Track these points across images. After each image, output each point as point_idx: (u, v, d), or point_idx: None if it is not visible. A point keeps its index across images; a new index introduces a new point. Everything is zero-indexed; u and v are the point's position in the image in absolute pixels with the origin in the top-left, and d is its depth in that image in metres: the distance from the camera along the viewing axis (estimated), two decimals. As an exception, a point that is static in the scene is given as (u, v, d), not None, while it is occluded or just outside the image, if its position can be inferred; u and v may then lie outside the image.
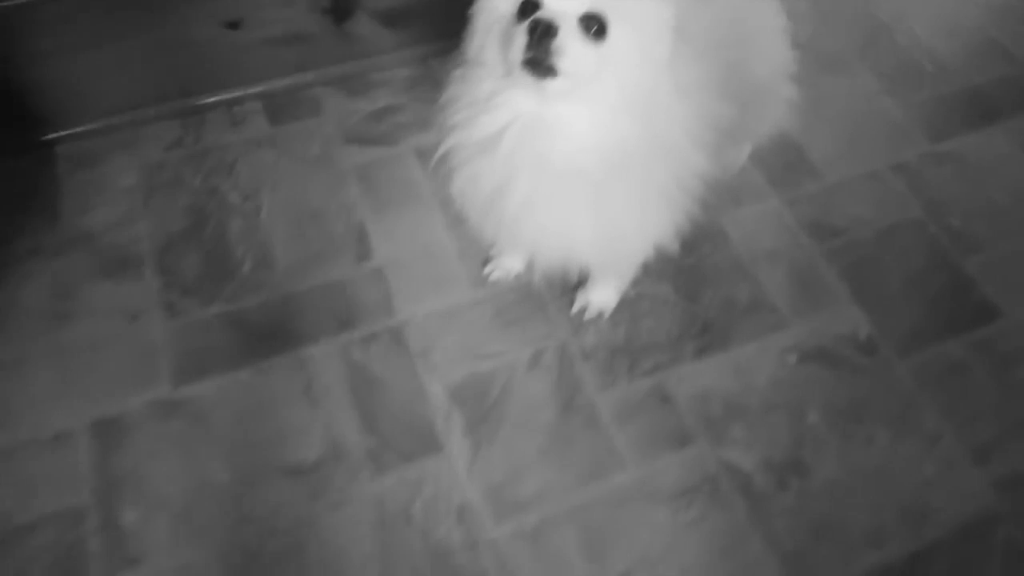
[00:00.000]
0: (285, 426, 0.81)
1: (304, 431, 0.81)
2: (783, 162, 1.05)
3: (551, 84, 0.59)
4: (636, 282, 0.90)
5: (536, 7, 0.59)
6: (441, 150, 0.70)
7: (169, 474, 0.78)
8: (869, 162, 1.06)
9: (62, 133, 1.01)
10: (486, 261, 0.94)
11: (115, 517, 0.75)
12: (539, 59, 0.57)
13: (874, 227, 0.99)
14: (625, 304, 0.91)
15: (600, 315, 0.90)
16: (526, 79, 0.59)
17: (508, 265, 0.93)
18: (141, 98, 1.02)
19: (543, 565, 0.74)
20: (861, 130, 1.10)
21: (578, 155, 0.64)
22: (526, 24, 0.57)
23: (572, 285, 0.92)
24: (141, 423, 0.80)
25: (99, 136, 1.02)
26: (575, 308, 0.90)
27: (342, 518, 0.76)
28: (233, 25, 0.99)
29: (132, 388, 0.82)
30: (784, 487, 0.80)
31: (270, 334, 0.87)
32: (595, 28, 0.58)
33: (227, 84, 1.05)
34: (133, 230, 0.94)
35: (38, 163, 1.00)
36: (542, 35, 0.57)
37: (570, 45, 0.57)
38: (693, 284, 0.93)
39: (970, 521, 0.79)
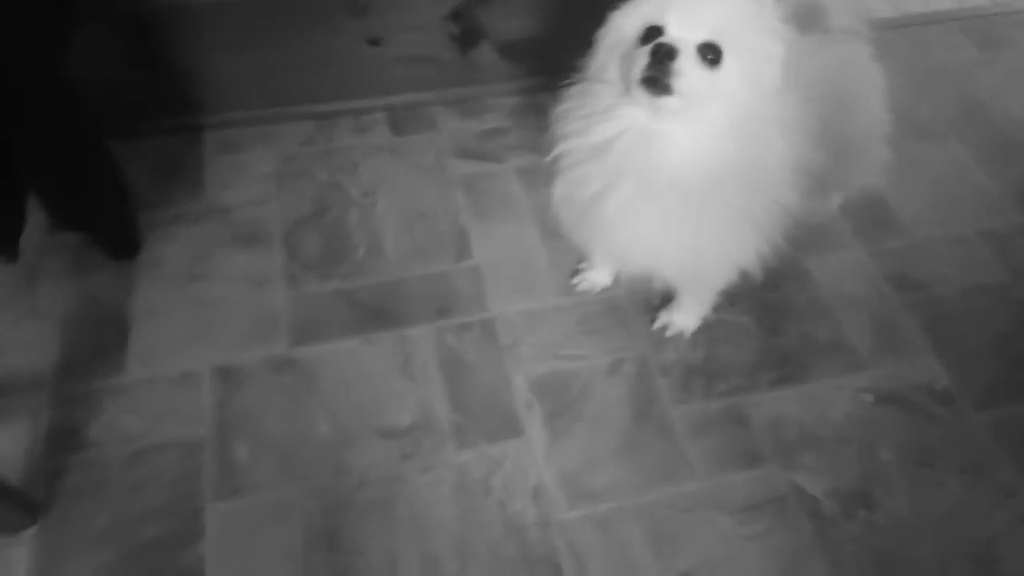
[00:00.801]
0: (383, 393, 0.93)
1: (399, 400, 0.93)
2: (871, 216, 1.14)
3: (665, 101, 0.69)
4: (717, 309, 1.00)
5: (659, 33, 0.70)
6: (553, 153, 0.82)
7: (278, 421, 0.90)
8: (956, 226, 1.14)
9: (212, 120, 1.21)
10: (574, 273, 1.05)
11: (229, 450, 0.88)
12: (657, 78, 0.68)
13: (957, 286, 1.07)
14: (705, 328, 1.00)
15: (680, 335, 1.00)
16: (643, 95, 0.70)
17: (595, 279, 1.04)
18: (283, 98, 1.21)
19: (609, 552, 0.82)
20: (950, 195, 1.19)
21: (680, 169, 0.74)
22: (650, 47, 0.69)
23: (655, 304, 1.02)
24: (257, 374, 0.94)
25: (243, 126, 1.21)
26: (656, 325, 1.00)
27: (428, 480, 0.86)
28: (375, 42, 1.17)
29: (252, 343, 0.97)
30: (851, 517, 0.86)
31: (377, 312, 1.01)
32: (711, 56, 0.69)
33: (359, 94, 1.23)
34: (265, 210, 1.11)
35: (187, 143, 1.19)
36: (663, 57, 0.68)
37: (687, 68, 0.68)
38: (774, 318, 1.02)
39: (1040, 577, 0.83)
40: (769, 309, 1.03)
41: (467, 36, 1.20)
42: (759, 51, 0.70)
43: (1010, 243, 1.13)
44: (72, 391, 0.93)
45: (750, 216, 0.79)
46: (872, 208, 1.15)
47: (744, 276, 0.87)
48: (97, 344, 0.97)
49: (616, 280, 1.05)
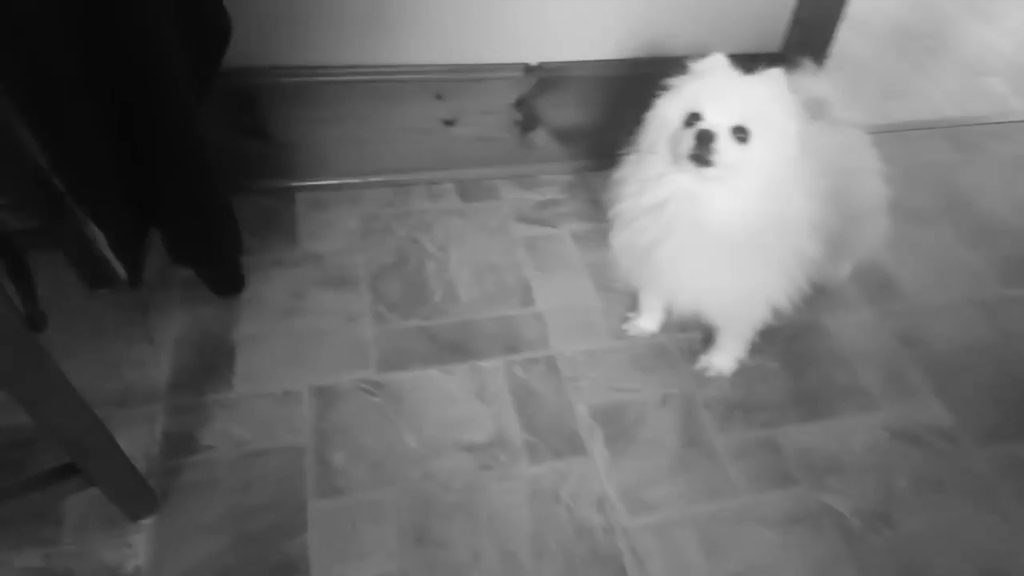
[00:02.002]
0: (462, 414, 1.10)
1: (476, 420, 1.09)
2: (877, 284, 1.37)
3: (708, 171, 0.91)
4: (751, 354, 1.20)
5: (698, 118, 0.93)
6: (613, 211, 1.04)
7: (370, 432, 1.06)
8: (950, 294, 1.37)
9: (303, 183, 1.43)
10: (624, 320, 1.25)
11: (327, 456, 1.03)
12: (701, 155, 0.91)
13: (955, 344, 1.28)
14: (741, 371, 1.19)
15: (719, 376, 1.18)
16: (690, 167, 0.92)
17: (643, 325, 1.24)
18: (367, 167, 1.45)
19: (667, 554, 0.97)
20: (943, 269, 1.42)
21: (720, 223, 0.95)
22: (694, 131, 0.91)
23: (697, 349, 1.21)
24: (351, 394, 1.11)
25: (331, 190, 1.43)
26: (698, 366, 1.19)
27: (504, 488, 1.01)
28: (449, 123, 1.42)
29: (345, 368, 1.14)
30: (874, 531, 1.02)
31: (453, 347, 1.19)
32: (741, 135, 0.91)
33: (432, 167, 1.47)
34: (352, 258, 1.31)
35: (282, 201, 1.41)
36: (705, 140, 0.91)
37: (724, 147, 0.90)
38: (799, 365, 1.22)
39: (1042, 588, 0.97)
40: (795, 357, 1.23)
41: (527, 121, 1.46)
42: (779, 129, 0.93)
43: (996, 310, 1.35)
44: (184, 403, 1.09)
45: (780, 262, 1.01)
46: (877, 277, 1.38)
47: (776, 315, 1.07)
48: (205, 365, 1.14)
49: (662, 327, 1.24)
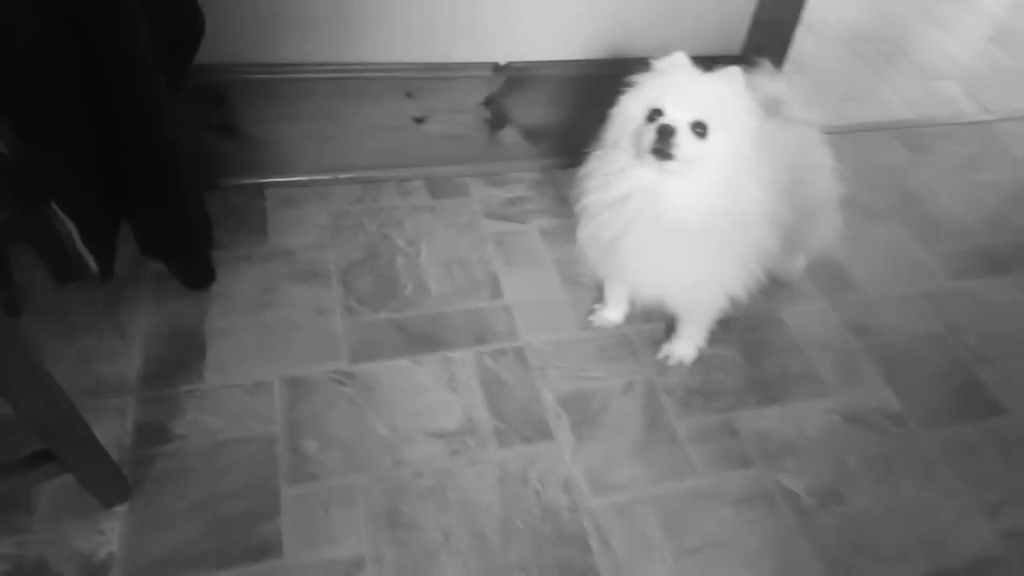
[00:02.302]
0: (432, 403, 1.14)
1: (447, 408, 1.13)
2: (831, 277, 1.45)
3: (669, 165, 0.97)
4: (711, 343, 1.26)
5: (660, 114, 0.99)
6: (580, 204, 1.10)
7: (341, 421, 1.10)
8: (900, 287, 1.45)
9: (273, 180, 1.46)
10: (590, 312, 1.31)
11: (299, 445, 1.07)
12: (662, 149, 0.97)
13: (904, 334, 1.36)
14: (702, 360, 1.26)
15: (680, 364, 1.24)
16: (652, 161, 0.98)
17: (608, 317, 1.30)
18: (337, 164, 1.48)
19: (630, 531, 1.02)
20: (894, 264, 1.51)
21: (681, 215, 1.02)
22: (656, 126, 0.97)
23: (659, 339, 1.27)
24: (322, 384, 1.14)
25: (300, 187, 1.47)
26: (660, 355, 1.25)
27: (474, 472, 1.06)
28: (419, 121, 1.46)
29: (316, 360, 1.18)
30: (826, 508, 1.08)
31: (423, 338, 1.23)
32: (700, 130, 0.97)
33: (402, 164, 1.51)
34: (323, 254, 1.35)
35: (252, 198, 1.44)
36: (666, 134, 0.97)
37: (684, 141, 0.96)
38: (757, 353, 1.28)
39: (979, 558, 1.05)
40: (752, 346, 1.29)
41: (496, 120, 1.51)
42: (736, 125, 0.99)
43: (944, 302, 1.43)
44: (156, 394, 1.11)
45: (738, 253, 1.07)
46: (831, 271, 1.45)
47: (734, 304, 1.14)
48: (176, 357, 1.17)
49: (627, 318, 1.30)
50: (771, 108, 1.22)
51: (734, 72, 1.02)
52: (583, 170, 1.10)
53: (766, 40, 1.60)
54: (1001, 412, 1.25)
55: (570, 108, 1.54)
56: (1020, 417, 1.25)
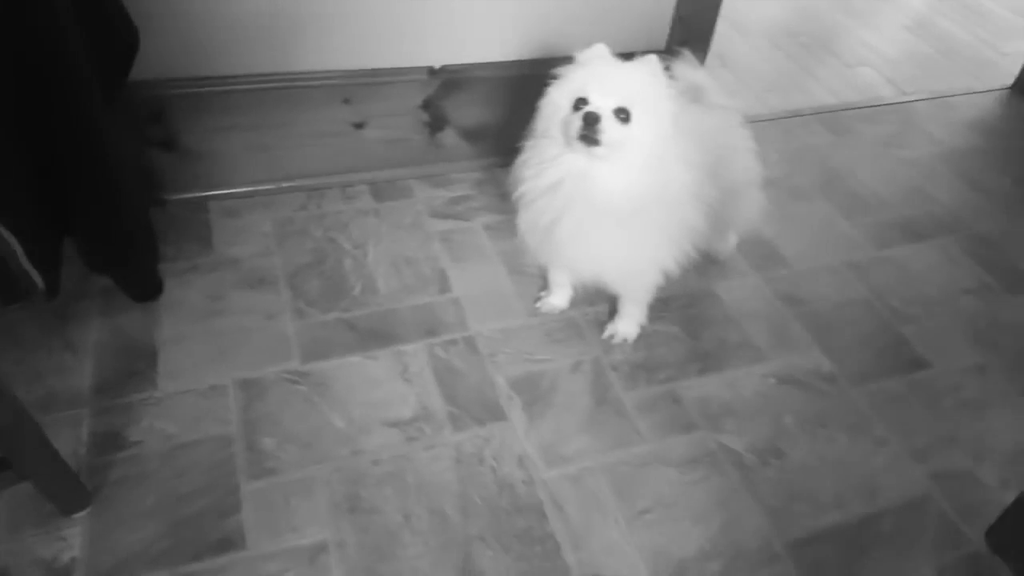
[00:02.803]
0: (387, 394, 1.20)
1: (402, 398, 1.19)
2: (762, 254, 1.56)
3: (596, 150, 1.06)
4: (652, 320, 1.35)
5: (585, 102, 1.07)
6: (516, 192, 1.17)
7: (297, 418, 1.15)
8: (828, 259, 1.57)
9: (216, 192, 1.50)
10: (537, 299, 1.38)
11: (256, 442, 1.11)
12: (589, 135, 1.05)
13: (832, 301, 1.47)
14: (644, 336, 1.34)
15: (624, 342, 1.33)
16: (580, 147, 1.06)
17: (554, 302, 1.38)
18: (279, 173, 1.53)
19: (582, 498, 1.10)
20: (821, 238, 1.63)
21: (611, 198, 1.10)
22: (581, 114, 1.05)
23: (604, 320, 1.35)
24: (276, 384, 1.19)
25: (243, 197, 1.52)
26: (605, 335, 1.34)
27: (431, 456, 1.12)
28: (359, 126, 1.52)
29: (269, 362, 1.23)
30: (766, 464, 1.17)
31: (375, 334, 1.29)
32: (623, 115, 1.06)
33: (344, 170, 1.57)
34: (270, 260, 1.40)
35: (196, 211, 1.49)
36: (591, 121, 1.05)
37: (608, 127, 1.05)
38: (695, 327, 1.38)
39: (911, 498, 1.15)
40: (691, 320, 1.39)
41: (435, 122, 1.59)
42: (657, 109, 1.08)
43: (868, 270, 1.55)
44: (109, 404, 1.15)
45: (667, 230, 1.16)
46: (762, 248, 1.57)
47: (667, 279, 1.23)
48: (128, 368, 1.20)
49: (572, 303, 1.38)
50: (693, 94, 1.32)
51: (652, 60, 1.11)
52: (518, 160, 1.18)
53: (688, 35, 1.72)
54: (925, 366, 1.37)
55: (506, 107, 1.63)
56: (942, 369, 1.37)
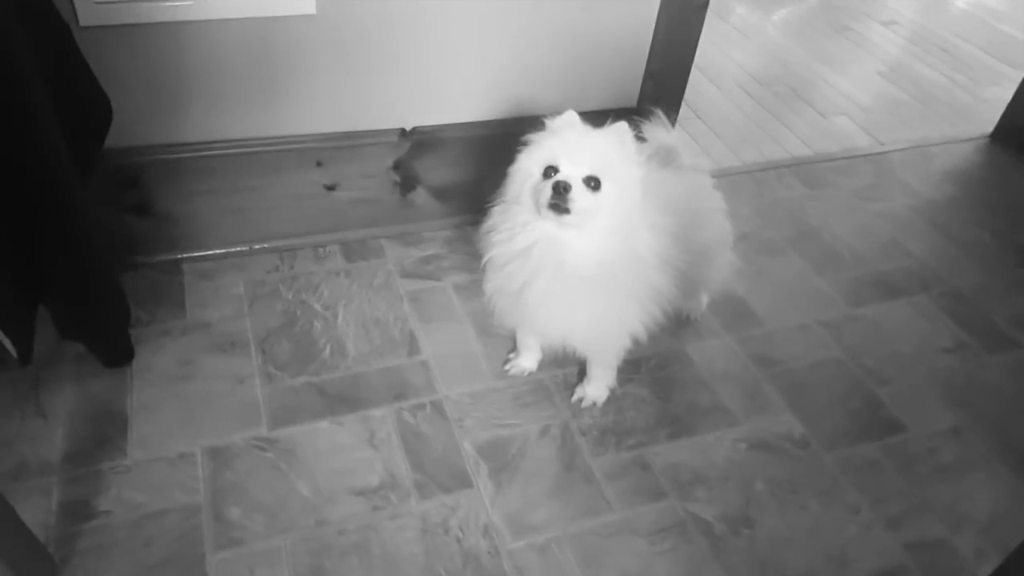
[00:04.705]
0: (353, 461, 1.26)
1: (368, 465, 1.25)
2: (734, 312, 1.63)
3: (566, 218, 1.13)
4: (622, 383, 1.41)
5: (555, 171, 1.15)
6: (486, 257, 1.24)
7: (264, 486, 1.20)
8: (800, 317, 1.65)
9: (189, 255, 1.57)
10: (505, 361, 1.45)
11: (223, 512, 1.17)
12: (559, 204, 1.13)
13: (805, 361, 1.54)
14: (613, 399, 1.41)
15: (594, 405, 1.39)
16: (550, 215, 1.14)
17: (523, 364, 1.44)
18: (252, 236, 1.61)
19: (549, 570, 1.15)
20: (794, 295, 1.71)
21: (581, 263, 1.17)
22: (552, 182, 1.13)
23: (572, 383, 1.41)
24: (244, 451, 1.25)
25: (217, 259, 1.60)
26: (574, 398, 1.40)
27: (396, 525, 1.17)
28: (331, 188, 1.60)
29: (237, 428, 1.28)
30: (736, 534, 1.22)
31: (343, 399, 1.35)
32: (593, 184, 1.14)
33: (316, 231, 1.65)
34: (241, 323, 1.46)
35: (169, 274, 1.56)
36: (562, 190, 1.12)
37: (578, 195, 1.12)
38: (665, 390, 1.44)
39: (884, 569, 1.21)
40: (662, 383, 1.45)
41: (406, 182, 1.68)
42: (625, 176, 1.15)
43: (842, 330, 1.63)
44: (79, 473, 1.21)
45: (635, 295, 1.23)
46: (734, 306, 1.64)
47: (636, 343, 1.29)
48: (99, 435, 1.26)
49: (540, 365, 1.45)
50: (665, 158, 1.40)
51: (622, 127, 1.18)
52: (486, 224, 1.25)
53: (659, 91, 1.82)
54: (900, 429, 1.43)
55: (477, 167, 1.71)
56: (918, 432, 1.43)
